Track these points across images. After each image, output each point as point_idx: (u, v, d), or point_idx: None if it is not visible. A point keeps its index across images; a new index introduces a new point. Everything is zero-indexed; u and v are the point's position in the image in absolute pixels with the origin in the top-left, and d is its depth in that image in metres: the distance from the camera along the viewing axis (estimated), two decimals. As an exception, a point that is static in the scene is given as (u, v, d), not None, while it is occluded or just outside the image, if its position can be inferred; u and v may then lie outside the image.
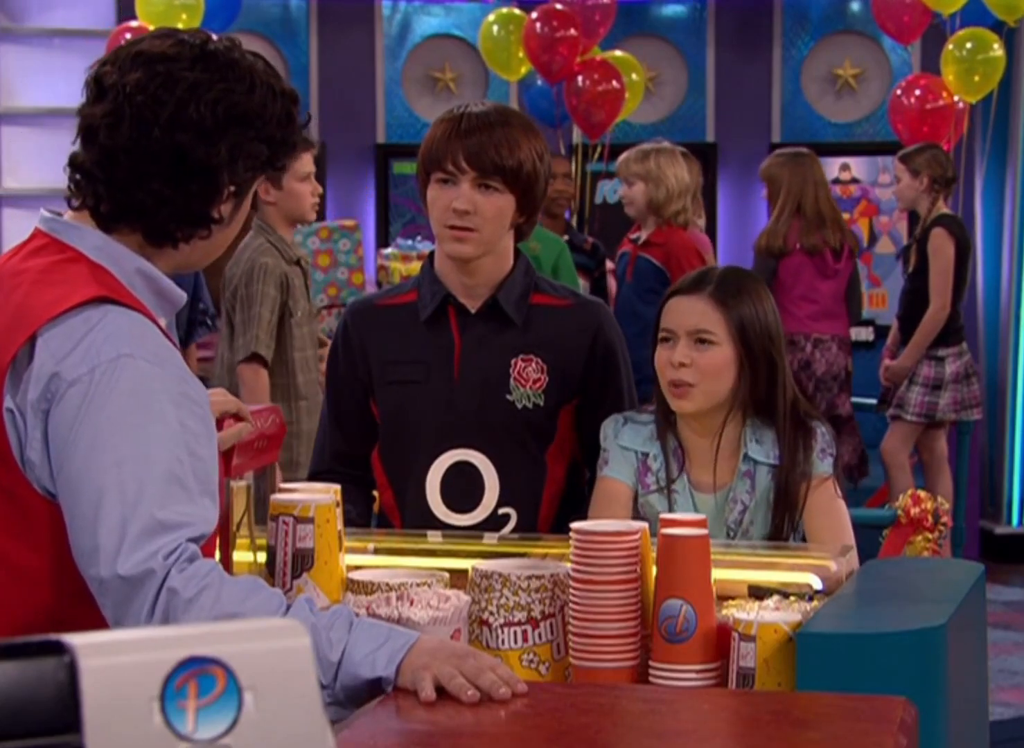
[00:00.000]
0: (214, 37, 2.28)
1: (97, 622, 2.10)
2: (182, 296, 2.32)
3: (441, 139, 3.07)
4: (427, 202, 3.12)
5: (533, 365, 3.15)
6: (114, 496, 2.06)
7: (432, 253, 3.23)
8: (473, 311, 3.16)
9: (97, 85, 2.24)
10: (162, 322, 2.26)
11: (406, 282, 3.42)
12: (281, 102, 2.27)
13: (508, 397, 3.14)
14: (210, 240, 2.29)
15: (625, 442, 3.05)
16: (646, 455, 3.04)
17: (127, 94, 2.20)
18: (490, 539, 2.97)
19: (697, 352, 2.98)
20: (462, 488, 3.13)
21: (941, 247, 7.10)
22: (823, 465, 3.01)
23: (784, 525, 3.00)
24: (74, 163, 2.26)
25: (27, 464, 2.14)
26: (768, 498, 3.00)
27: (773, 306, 3.06)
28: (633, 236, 6.78)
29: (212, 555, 2.21)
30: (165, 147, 2.20)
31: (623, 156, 6.85)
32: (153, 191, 2.21)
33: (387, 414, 3.20)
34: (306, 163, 5.34)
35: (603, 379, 3.20)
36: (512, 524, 3.15)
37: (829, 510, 3.00)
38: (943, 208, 7.23)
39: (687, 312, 3.00)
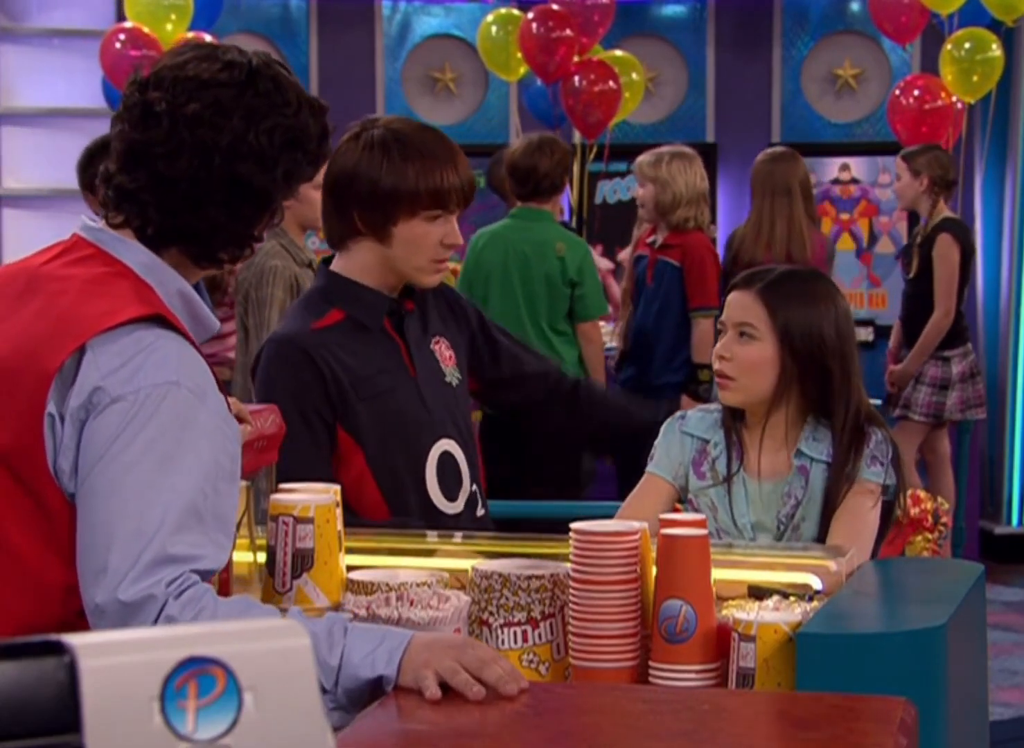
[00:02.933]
0: (247, 51, 2.28)
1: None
2: (215, 324, 2.31)
3: (434, 177, 3.07)
4: (403, 237, 3.09)
5: (443, 345, 3.27)
6: (133, 522, 2.07)
7: (329, 270, 3.19)
8: (405, 313, 3.22)
9: (144, 109, 2.23)
10: None
11: (306, 305, 3.24)
12: (319, 118, 2.30)
13: (446, 380, 3.25)
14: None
15: (689, 428, 3.11)
16: (706, 442, 3.09)
17: (186, 123, 2.21)
18: (489, 539, 2.97)
19: (738, 346, 3.03)
20: (448, 476, 3.20)
21: (947, 254, 7.02)
22: (868, 471, 2.99)
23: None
24: (117, 185, 2.25)
25: (58, 472, 2.14)
26: (822, 499, 3.01)
27: (839, 312, 3.03)
28: (649, 239, 6.76)
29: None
30: (225, 176, 2.22)
31: (640, 157, 6.84)
32: (208, 217, 2.23)
33: (369, 429, 3.14)
34: (322, 171, 5.32)
35: (486, 335, 3.35)
36: (480, 499, 3.25)
37: (856, 517, 2.98)
38: (945, 210, 7.15)
39: (735, 306, 3.07)
